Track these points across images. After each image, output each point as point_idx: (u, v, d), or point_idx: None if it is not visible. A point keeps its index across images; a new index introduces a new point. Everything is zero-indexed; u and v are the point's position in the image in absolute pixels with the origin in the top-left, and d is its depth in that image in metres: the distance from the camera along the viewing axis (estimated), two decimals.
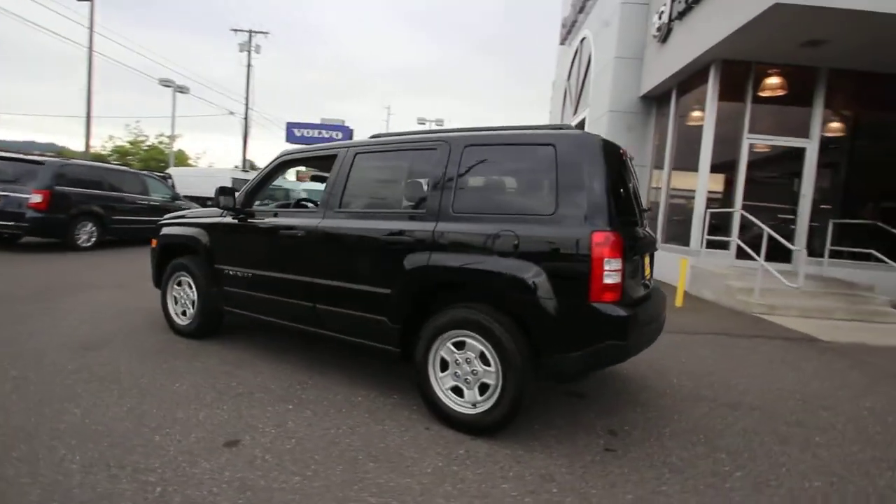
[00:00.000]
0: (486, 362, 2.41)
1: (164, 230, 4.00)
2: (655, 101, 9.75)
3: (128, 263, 7.64)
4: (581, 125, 12.56)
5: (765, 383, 3.57)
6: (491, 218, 2.45)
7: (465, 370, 2.47)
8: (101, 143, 32.40)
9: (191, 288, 3.77)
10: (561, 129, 2.51)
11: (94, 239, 8.77)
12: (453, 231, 2.50)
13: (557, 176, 2.33)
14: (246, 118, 33.13)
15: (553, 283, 2.22)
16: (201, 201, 14.08)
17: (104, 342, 3.60)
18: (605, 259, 2.15)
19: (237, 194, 3.52)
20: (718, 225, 7.84)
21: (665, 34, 8.50)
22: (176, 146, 29.68)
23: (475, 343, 2.43)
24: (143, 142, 33.66)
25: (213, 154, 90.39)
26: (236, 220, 3.46)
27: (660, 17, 8.57)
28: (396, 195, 2.86)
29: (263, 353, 3.54)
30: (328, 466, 2.10)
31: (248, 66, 32.45)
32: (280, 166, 3.48)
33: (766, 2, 5.56)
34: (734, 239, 7.44)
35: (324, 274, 2.96)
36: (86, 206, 8.57)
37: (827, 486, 2.21)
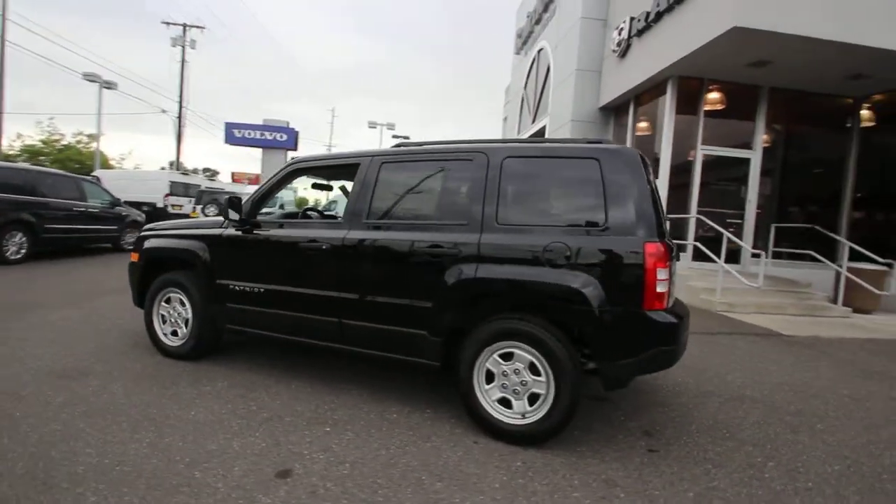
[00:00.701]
0: (535, 372, 2.43)
1: (149, 243, 3.66)
2: (613, 111, 10.31)
3: (66, 277, 6.91)
4: (541, 133, 13.00)
5: (755, 376, 3.88)
6: (537, 229, 2.48)
7: (513, 381, 2.48)
8: (9, 141, 28.92)
9: (183, 305, 3.47)
10: (599, 143, 2.59)
11: (24, 251, 7.82)
12: (500, 243, 2.50)
13: (605, 189, 2.40)
14: (180, 117, 31.04)
15: (607, 292, 2.28)
16: (137, 206, 13.04)
17: (84, 369, 3.23)
18: (658, 269, 2.25)
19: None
20: (674, 229, 8.41)
21: (624, 50, 9.01)
22: (96, 146, 27.06)
23: (524, 354, 2.44)
24: (57, 141, 30.44)
25: (139, 155, 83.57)
26: (243, 233, 3.24)
27: (619, 34, 9.08)
28: (431, 206, 2.81)
29: (271, 373, 3.33)
30: (396, 490, 2.02)
31: (182, 61, 30.46)
32: (291, 174, 3.29)
33: (726, 24, 6.07)
34: (690, 242, 8.02)
35: (351, 288, 2.84)
36: (14, 215, 7.63)
37: (845, 468, 2.44)
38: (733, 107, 8.31)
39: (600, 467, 2.30)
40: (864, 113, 8.47)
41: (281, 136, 40.19)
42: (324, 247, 2.91)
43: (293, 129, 40.25)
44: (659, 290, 2.26)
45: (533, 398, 2.45)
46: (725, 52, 6.84)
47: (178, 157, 31.91)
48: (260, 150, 41.04)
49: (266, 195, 3.32)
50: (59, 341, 3.80)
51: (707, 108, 8.23)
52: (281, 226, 3.22)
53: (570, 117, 10.36)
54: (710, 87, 8.18)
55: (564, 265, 2.36)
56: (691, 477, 2.26)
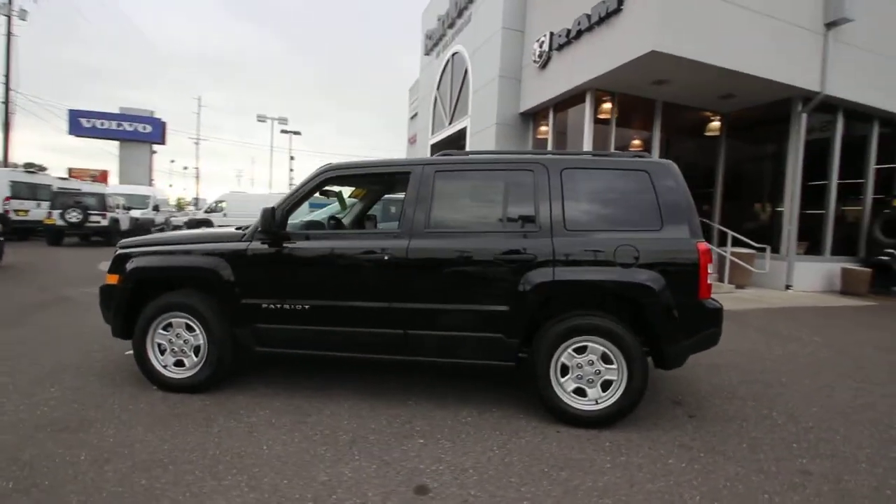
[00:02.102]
0: (607, 361, 2.73)
1: (137, 262, 3.13)
2: (532, 117, 11.17)
3: None
4: (461, 134, 13.49)
5: (741, 347, 4.70)
6: (603, 234, 2.76)
7: (587, 371, 2.74)
8: None
9: (192, 331, 3.07)
10: (642, 156, 2.97)
11: None
12: (574, 246, 2.73)
13: (657, 197, 2.78)
14: (6, 103, 25.38)
15: (670, 286, 2.66)
16: None
17: (82, 416, 2.70)
18: (707, 264, 2.70)
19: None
20: None
21: (545, 62, 9.84)
22: None
23: (597, 346, 2.72)
24: None
25: None
26: (280, 246, 2.97)
27: (540, 46, 9.87)
28: (496, 214, 2.92)
29: (301, 393, 3.13)
30: (536, 486, 2.14)
31: (8, 35, 24.90)
32: (324, 182, 3.11)
33: (645, 48, 7.07)
34: None
35: (420, 298, 2.83)
36: None
37: (820, 408, 3.18)
38: (637, 118, 9.64)
39: (669, 436, 2.68)
40: (729, 125, 10.47)
41: (144, 128, 35.15)
42: (385, 258, 2.84)
43: (159, 119, 35.51)
44: (708, 281, 2.71)
45: (605, 385, 2.74)
46: (637, 71, 7.93)
47: (5, 150, 26.14)
48: (116, 142, 35.36)
49: (296, 205, 3.09)
50: (17, 384, 3.06)
51: (617, 117, 9.42)
52: (324, 238, 3.04)
53: (495, 121, 10.97)
54: (621, 101, 9.36)
55: (633, 265, 2.68)
56: (734, 432, 2.76)
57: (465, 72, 12.93)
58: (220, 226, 22.51)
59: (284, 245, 2.98)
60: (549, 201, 2.82)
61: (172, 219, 27.97)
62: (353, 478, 2.15)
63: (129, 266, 3.12)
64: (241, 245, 3.03)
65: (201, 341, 3.06)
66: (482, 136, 11.66)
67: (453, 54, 14.00)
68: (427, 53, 16.34)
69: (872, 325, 6.42)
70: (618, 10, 7.69)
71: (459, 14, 13.33)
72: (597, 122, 9.32)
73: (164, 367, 3.12)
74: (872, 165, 9.84)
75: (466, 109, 12.86)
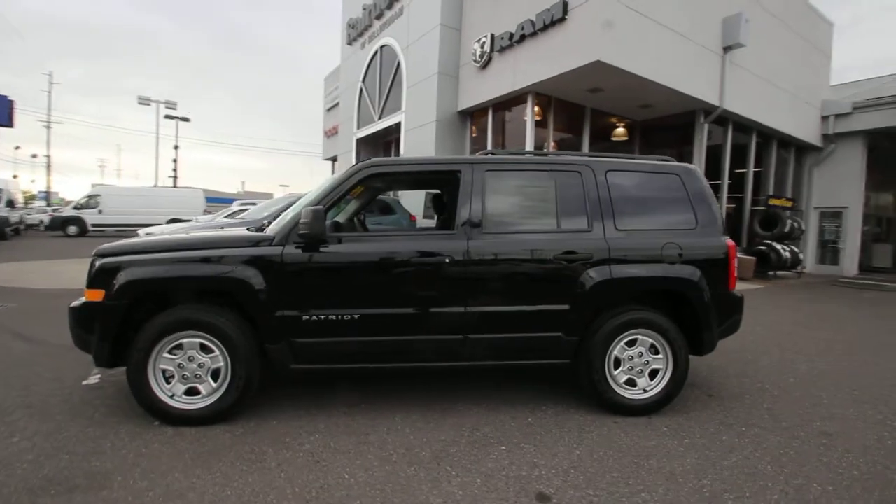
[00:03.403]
0: (654, 352, 2.92)
1: (133, 272, 2.57)
2: (470, 115, 11.36)
3: None
4: (393, 130, 13.22)
5: None
6: (649, 233, 2.94)
7: (637, 363, 2.91)
8: None
9: (209, 352, 2.62)
10: (665, 160, 3.21)
11: None
12: (626, 246, 2.87)
13: (690, 198, 3.03)
14: None
15: (708, 279, 2.92)
16: None
17: (93, 469, 2.16)
18: (735, 258, 3.02)
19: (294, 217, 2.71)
20: None
21: (486, 62, 10.06)
22: None
23: (646, 338, 2.90)
24: None
25: None
26: (319, 251, 2.66)
27: (480, 46, 10.07)
28: (548, 214, 2.92)
29: (344, 408, 2.88)
30: (640, 478, 2.22)
31: None
32: (364, 181, 2.84)
33: (591, 57, 7.59)
34: None
35: (481, 301, 2.75)
36: None
37: (825, 382, 3.75)
38: (571, 122, 10.33)
39: (706, 415, 2.96)
40: (642, 132, 11.70)
41: None
42: (446, 260, 2.70)
43: (5, 96, 29.12)
44: (735, 274, 3.03)
45: (652, 374, 2.93)
46: (578, 78, 8.50)
47: None
48: None
49: (333, 206, 2.78)
50: None
51: (555, 121, 10.00)
52: (370, 240, 2.78)
53: (435, 118, 10.95)
54: (557, 105, 9.95)
55: (678, 261, 2.90)
56: (751, 406, 3.14)
57: (398, 66, 12.69)
58: (97, 224, 19.42)
59: (324, 249, 2.68)
60: (599, 202, 2.92)
61: (28, 217, 23.30)
62: (467, 496, 2.03)
63: (122, 279, 2.55)
64: (274, 250, 2.65)
65: (221, 363, 2.63)
66: (419, 133, 11.57)
67: (382, 46, 13.64)
68: (349, 43, 15.70)
69: (779, 304, 7.69)
70: (562, 19, 8.15)
71: (389, 5, 13.02)
72: (537, 125, 9.80)
73: (172, 396, 2.62)
74: (752, 169, 11.75)
75: (399, 104, 12.65)
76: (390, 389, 3.21)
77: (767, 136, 12.02)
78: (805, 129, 12.42)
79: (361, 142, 15.36)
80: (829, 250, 13.39)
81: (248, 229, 3.11)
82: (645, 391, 2.92)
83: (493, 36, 9.80)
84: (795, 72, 11.73)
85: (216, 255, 2.64)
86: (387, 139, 14.76)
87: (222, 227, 5.96)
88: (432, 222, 4.41)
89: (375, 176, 2.86)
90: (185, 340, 2.60)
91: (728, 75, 9.64)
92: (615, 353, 2.88)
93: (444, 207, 3.99)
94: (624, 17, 7.84)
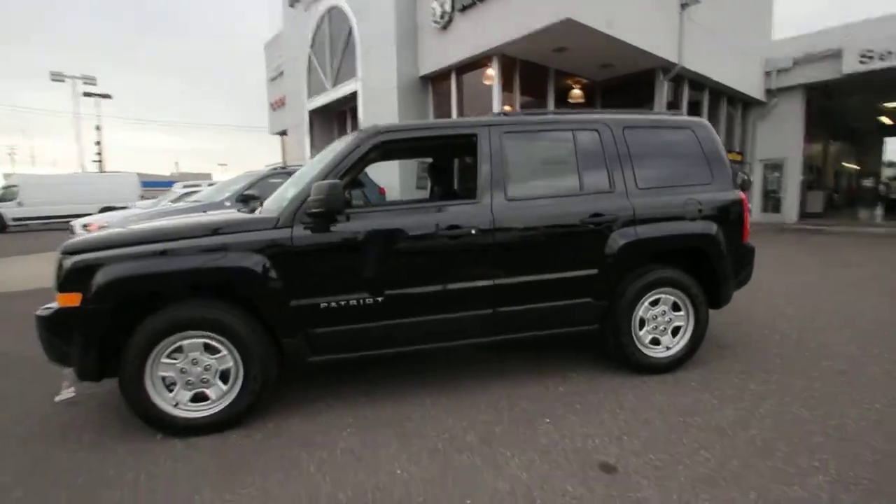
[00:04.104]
0: (676, 309, 2.92)
1: (116, 269, 2.19)
2: (431, 80, 10.90)
3: None
4: (349, 99, 12.52)
5: None
6: (668, 190, 2.88)
7: (661, 321, 2.90)
8: None
9: (212, 352, 2.33)
10: (677, 114, 3.14)
11: None
12: (649, 205, 2.79)
13: (704, 152, 2.98)
14: None
15: (724, 233, 2.92)
16: None
17: (102, 498, 1.86)
18: (747, 211, 3.03)
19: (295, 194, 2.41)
20: None
21: (447, 23, 9.59)
22: None
23: (669, 297, 2.89)
24: None
25: None
26: (331, 230, 2.38)
27: (441, 6, 9.56)
28: (570, 176, 2.77)
29: (362, 397, 2.70)
30: (692, 436, 2.22)
31: None
32: (373, 149, 2.55)
33: (561, 15, 7.38)
34: None
35: (508, 271, 2.60)
36: None
37: (816, 344, 3.93)
38: (535, 85, 10.15)
39: (724, 366, 3.03)
40: (602, 91, 11.73)
41: None
42: (472, 231, 2.51)
43: None
44: (748, 227, 3.05)
45: (674, 332, 2.94)
46: (546, 38, 8.28)
47: None
48: None
49: (346, 178, 2.49)
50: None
51: (521, 83, 9.78)
52: (387, 214, 2.53)
53: (395, 84, 10.42)
54: (522, 67, 9.71)
55: (698, 217, 2.86)
56: (761, 353, 3.24)
57: (350, 30, 11.89)
58: (19, 219, 17.40)
59: (337, 228, 2.40)
60: (619, 161, 2.81)
61: None
62: (533, 477, 1.93)
63: (102, 278, 2.17)
64: (281, 233, 2.35)
65: (230, 363, 2.35)
66: (378, 102, 11.01)
67: (330, 9, 12.70)
68: (292, 5, 14.51)
69: None
70: None
71: None
72: (504, 89, 9.54)
73: (176, 405, 2.32)
74: None
75: (354, 71, 11.93)
76: (405, 371, 3.04)
77: (718, 93, 12.43)
78: (750, 84, 12.95)
79: (314, 113, 14.49)
80: (772, 199, 14.32)
81: (240, 210, 2.76)
82: (668, 349, 2.93)
83: None
84: (741, 28, 12.09)
85: (213, 243, 2.30)
86: (342, 109, 14.00)
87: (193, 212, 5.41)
88: (424, 193, 4.15)
89: (384, 144, 2.58)
90: (185, 342, 2.29)
91: (686, 33, 9.75)
92: (640, 313, 2.85)
93: (440, 176, 3.76)
94: None
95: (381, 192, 8.76)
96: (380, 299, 2.45)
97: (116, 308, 2.21)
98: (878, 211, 16.49)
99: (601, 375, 2.91)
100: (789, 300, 4.72)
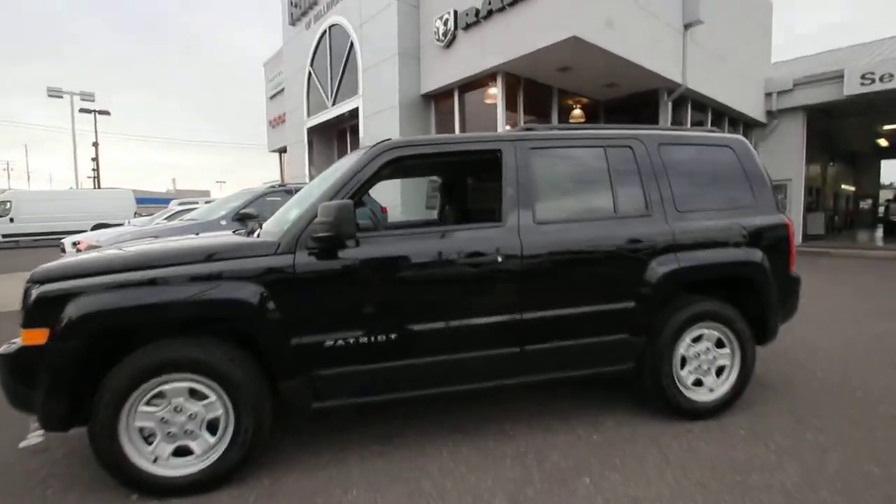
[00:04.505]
0: (720, 346, 2.63)
1: (93, 301, 1.88)
2: (433, 98, 10.78)
3: None
4: (349, 116, 12.39)
5: None
6: (710, 213, 2.62)
7: (703, 360, 2.61)
8: None
9: (198, 398, 2.01)
10: (714, 131, 2.90)
11: None
12: (690, 230, 2.53)
13: (746, 172, 2.74)
14: None
15: (771, 262, 2.65)
16: None
17: None
18: (794, 237, 2.77)
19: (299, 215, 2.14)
20: None
21: (450, 41, 9.49)
22: None
23: (713, 332, 2.60)
24: None
25: None
26: (339, 257, 2.10)
27: (444, 24, 9.48)
28: (603, 197, 2.50)
29: (362, 442, 2.36)
30: (754, 499, 1.90)
31: None
32: (386, 165, 2.28)
33: (567, 33, 7.27)
34: None
35: (540, 304, 2.31)
36: None
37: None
38: (539, 103, 10.04)
39: (771, 409, 2.72)
40: (606, 112, 11.66)
41: None
42: (499, 259, 2.22)
43: None
44: (793, 254, 2.79)
45: (718, 371, 2.64)
46: (550, 56, 8.17)
47: None
48: None
49: (356, 196, 2.21)
50: None
51: (524, 102, 9.66)
52: (400, 239, 2.24)
53: (397, 102, 10.27)
54: (526, 86, 9.60)
55: (743, 244, 2.60)
56: (807, 391, 2.95)
57: (350, 47, 11.81)
58: (9, 235, 16.98)
59: (345, 255, 2.11)
60: (656, 181, 2.55)
61: None
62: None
63: (73, 311, 1.86)
64: (282, 260, 2.06)
65: (220, 411, 2.03)
66: (380, 119, 10.85)
67: (331, 26, 12.65)
68: (293, 23, 14.50)
69: None
70: None
71: None
72: (507, 108, 9.41)
73: (155, 460, 1.99)
74: None
75: (356, 89, 11.80)
76: (420, 412, 2.72)
77: (720, 114, 12.38)
78: (752, 105, 12.93)
79: (313, 131, 14.34)
80: None
81: (235, 232, 2.47)
82: (712, 391, 2.63)
83: (456, 12, 9.24)
84: (742, 50, 12.12)
85: (203, 271, 2.00)
86: (342, 126, 13.86)
87: (192, 232, 5.11)
88: (432, 214, 3.89)
89: (399, 160, 2.31)
90: (167, 386, 1.97)
91: (689, 53, 9.71)
92: (681, 351, 2.56)
93: (453, 196, 3.50)
94: None
95: (384, 210, 8.51)
96: (394, 336, 2.15)
97: (89, 346, 1.90)
98: (879, 233, 16.43)
99: (638, 421, 2.60)
100: (820, 330, 4.44)
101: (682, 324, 2.50)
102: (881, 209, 20.80)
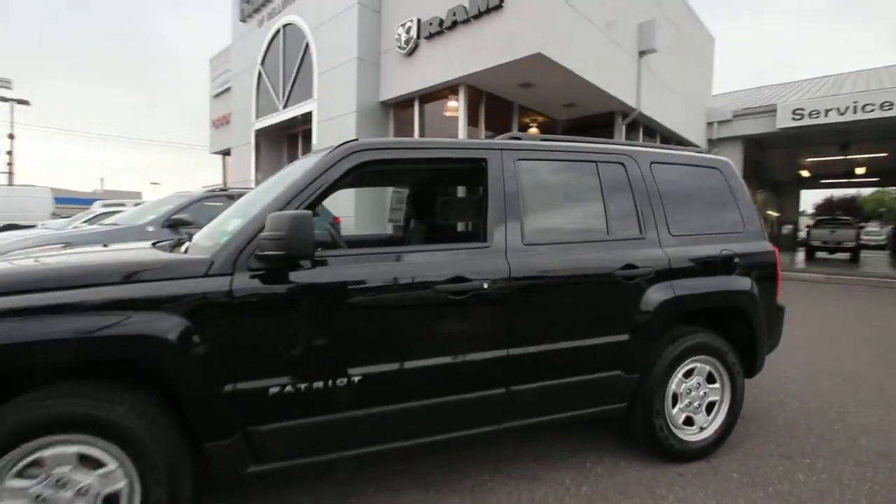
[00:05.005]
0: (710, 381, 2.45)
1: None
2: (393, 107, 10.43)
3: None
4: (301, 120, 11.78)
5: None
6: (702, 238, 2.45)
7: (694, 397, 2.41)
8: None
9: (92, 466, 1.52)
10: (701, 152, 2.77)
11: None
12: (684, 255, 2.33)
13: (735, 197, 2.61)
14: None
15: (759, 291, 2.52)
16: None
17: None
18: (779, 267, 2.66)
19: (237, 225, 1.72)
20: None
21: (412, 49, 9.23)
22: None
23: (704, 366, 2.42)
24: None
25: None
26: (291, 281, 1.68)
27: (406, 32, 9.21)
28: (593, 216, 2.25)
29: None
30: None
31: None
32: (353, 170, 1.89)
33: (532, 49, 7.21)
34: None
35: (529, 337, 2.00)
36: None
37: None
38: (500, 118, 9.96)
39: (759, 448, 2.56)
40: (563, 132, 11.82)
41: None
42: (484, 285, 1.89)
43: None
44: (780, 283, 2.68)
45: (708, 408, 2.45)
46: (515, 71, 8.10)
47: None
48: None
49: (315, 204, 1.81)
50: None
51: (485, 117, 9.54)
52: (367, 260, 1.84)
53: (355, 108, 9.83)
54: (487, 99, 9.49)
55: (734, 272, 2.44)
56: (790, 426, 2.83)
57: (306, 48, 11.26)
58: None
59: (298, 278, 1.70)
60: (650, 202, 2.35)
61: None
62: None
63: None
64: (215, 283, 1.61)
65: (121, 482, 1.53)
66: (336, 124, 10.34)
67: (285, 25, 12.04)
68: (244, 20, 13.70)
69: None
70: (499, 7, 7.66)
71: None
72: (469, 122, 9.24)
73: None
74: None
75: (310, 92, 11.23)
76: (377, 463, 2.31)
77: (668, 139, 12.94)
78: (696, 133, 13.66)
79: (262, 133, 13.51)
80: None
81: (154, 245, 1.98)
82: (703, 429, 2.43)
83: (419, 21, 9.00)
84: (689, 80, 12.81)
85: (109, 297, 1.52)
86: (293, 130, 13.16)
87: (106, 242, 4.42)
88: (389, 227, 3.50)
89: (367, 164, 1.93)
90: (47, 452, 1.46)
91: (643, 79, 10.04)
92: (673, 387, 2.34)
93: (423, 209, 3.15)
94: (562, 11, 7.61)
95: (336, 221, 8.01)
96: (357, 379, 1.75)
97: None
98: (800, 256, 17.85)
99: (626, 466, 2.34)
100: (782, 355, 4.46)
101: (675, 357, 2.29)
102: (801, 234, 22.68)
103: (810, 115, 11.92)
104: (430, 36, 8.85)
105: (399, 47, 9.44)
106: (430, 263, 1.90)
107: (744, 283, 2.45)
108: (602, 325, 2.16)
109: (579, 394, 2.14)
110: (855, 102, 11.22)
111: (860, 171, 18.00)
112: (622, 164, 2.36)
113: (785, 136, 13.26)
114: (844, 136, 13.24)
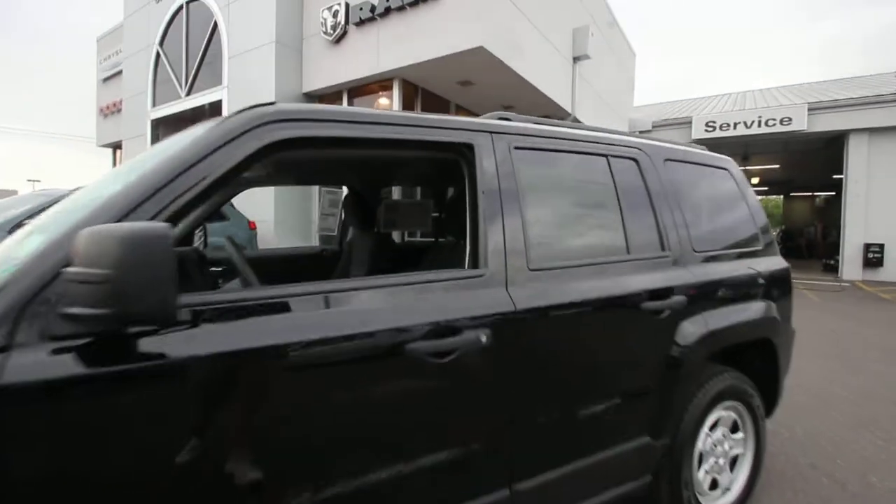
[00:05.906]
0: (734, 430, 1.99)
1: None
2: (318, 99, 9.42)
3: None
4: (214, 108, 10.30)
5: None
6: (724, 256, 1.99)
7: (719, 452, 1.93)
8: None
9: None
10: (705, 149, 2.33)
11: None
12: (711, 278, 1.84)
13: (747, 202, 2.20)
14: None
15: (781, 316, 2.12)
16: None
17: None
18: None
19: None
20: None
21: (340, 35, 8.34)
22: None
23: (729, 413, 1.95)
24: None
25: None
26: (158, 352, 0.88)
27: (334, 16, 8.30)
28: (612, 228, 1.67)
29: None
30: None
31: None
32: (265, 151, 1.13)
33: (474, 42, 6.70)
34: None
35: (539, 407, 1.37)
36: None
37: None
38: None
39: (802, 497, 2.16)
40: None
41: None
42: (483, 339, 1.22)
43: None
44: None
45: (731, 463, 1.99)
46: (453, 66, 7.55)
47: None
48: None
49: (181, 220, 1.02)
50: None
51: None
52: (283, 304, 1.07)
53: (274, 99, 8.69)
54: (423, 95, 8.86)
55: (759, 295, 2.01)
56: (801, 469, 2.49)
57: (214, 28, 9.87)
58: None
59: (156, 349, 0.91)
60: (670, 209, 1.83)
61: None
62: None
63: None
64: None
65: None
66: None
67: (189, 1, 10.50)
68: None
69: None
70: None
71: None
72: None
73: None
74: None
75: (219, 79, 9.84)
76: None
77: None
78: None
79: (160, 123, 11.70)
80: None
81: None
82: (728, 490, 1.96)
83: (347, 5, 8.15)
84: (614, 90, 13.20)
85: None
86: (199, 121, 11.53)
87: None
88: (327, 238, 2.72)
89: (288, 142, 1.17)
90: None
91: (577, 86, 10.03)
92: (699, 446, 1.84)
93: (366, 215, 2.40)
94: (503, 6, 7.21)
95: (252, 227, 6.91)
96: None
97: None
98: None
99: None
100: None
101: (704, 408, 1.79)
102: None
103: (721, 127, 12.79)
104: (361, 22, 8.04)
105: (325, 33, 8.51)
106: (395, 306, 1.19)
107: (770, 309, 2.03)
108: (628, 375, 1.59)
109: (600, 476, 1.55)
110: (759, 117, 12.20)
111: (755, 180, 19.97)
112: (635, 160, 1.82)
113: (702, 146, 14.17)
114: (747, 148, 14.43)
